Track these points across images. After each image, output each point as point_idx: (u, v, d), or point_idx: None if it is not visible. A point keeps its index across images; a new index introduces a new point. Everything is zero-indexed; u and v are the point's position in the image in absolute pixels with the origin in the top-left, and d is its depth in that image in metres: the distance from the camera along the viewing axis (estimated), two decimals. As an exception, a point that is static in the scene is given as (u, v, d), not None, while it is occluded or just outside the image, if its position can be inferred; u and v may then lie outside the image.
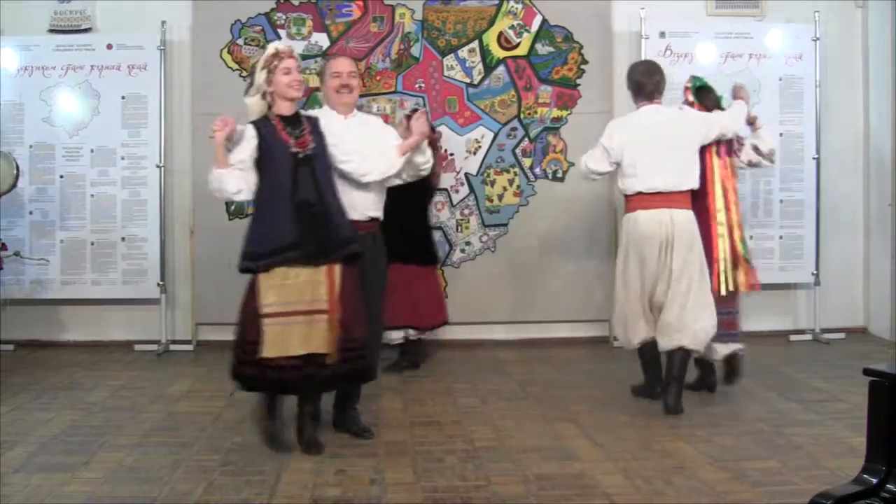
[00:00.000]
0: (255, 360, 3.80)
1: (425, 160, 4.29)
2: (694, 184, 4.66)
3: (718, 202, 4.72)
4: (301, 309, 3.82)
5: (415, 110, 5.33)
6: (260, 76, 3.92)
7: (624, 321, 4.76)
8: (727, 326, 4.75)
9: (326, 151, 3.98)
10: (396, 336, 5.60)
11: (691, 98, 4.85)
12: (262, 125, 3.91)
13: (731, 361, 4.88)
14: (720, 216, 4.71)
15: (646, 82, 4.70)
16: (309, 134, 3.94)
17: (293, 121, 3.95)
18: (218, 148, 3.82)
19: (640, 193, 4.64)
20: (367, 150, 4.10)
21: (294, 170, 3.85)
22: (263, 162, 3.87)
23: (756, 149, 5.03)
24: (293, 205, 3.82)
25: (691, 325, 4.54)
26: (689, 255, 4.58)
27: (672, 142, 4.61)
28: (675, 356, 4.58)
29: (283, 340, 3.79)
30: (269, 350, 3.78)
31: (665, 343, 4.60)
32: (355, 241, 3.94)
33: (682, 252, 4.57)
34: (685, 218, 4.61)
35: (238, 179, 3.83)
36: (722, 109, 4.85)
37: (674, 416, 4.49)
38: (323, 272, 3.86)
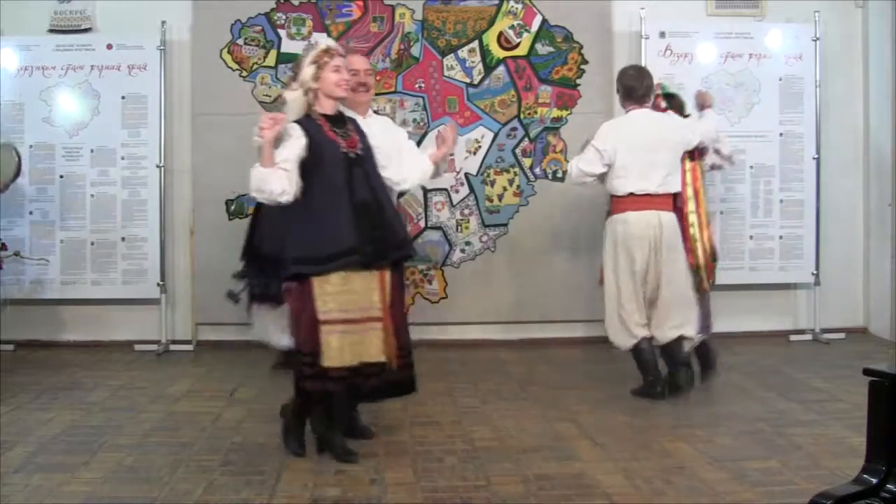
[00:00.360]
0: (317, 373, 3.66)
1: (444, 169, 4.32)
2: (678, 187, 4.85)
3: (691, 204, 4.91)
4: (357, 317, 3.69)
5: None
6: (307, 71, 3.77)
7: (619, 323, 4.85)
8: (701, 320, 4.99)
9: (373, 152, 3.88)
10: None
11: (664, 105, 4.97)
12: (308, 124, 3.76)
13: (705, 354, 5.04)
14: (692, 217, 4.92)
15: (637, 86, 4.82)
16: (355, 134, 3.86)
17: (337, 120, 3.84)
18: (267, 146, 3.61)
19: (631, 195, 4.77)
20: (396, 155, 4.08)
21: (348, 171, 3.75)
22: (312, 162, 3.69)
23: (718, 152, 5.21)
24: (352, 206, 3.70)
25: (685, 318, 4.79)
26: (676, 255, 4.80)
27: (661, 145, 4.76)
28: (677, 345, 4.79)
29: (343, 349, 3.65)
30: (331, 359, 3.64)
31: (663, 336, 4.78)
32: (410, 242, 3.95)
33: (670, 252, 4.77)
34: (671, 219, 4.80)
35: (283, 180, 3.62)
36: (686, 116, 5.08)
37: (674, 416, 4.50)
38: (376, 277, 3.75)
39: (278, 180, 3.62)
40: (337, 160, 3.74)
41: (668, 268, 4.76)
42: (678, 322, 4.77)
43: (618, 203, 4.83)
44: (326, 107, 3.82)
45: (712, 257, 5.03)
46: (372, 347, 3.72)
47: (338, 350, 3.65)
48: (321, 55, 3.78)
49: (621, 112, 5.05)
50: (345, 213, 3.70)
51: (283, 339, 4.56)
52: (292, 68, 3.94)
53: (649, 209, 4.75)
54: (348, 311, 3.68)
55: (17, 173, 5.74)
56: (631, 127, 4.82)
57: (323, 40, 3.93)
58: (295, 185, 3.66)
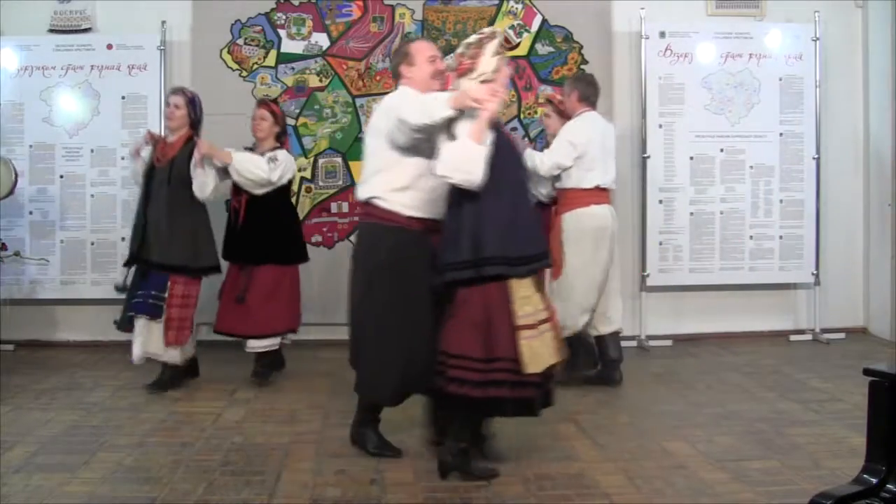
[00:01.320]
0: (503, 380, 3.42)
1: None
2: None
3: None
4: (538, 320, 3.50)
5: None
6: (490, 62, 3.52)
7: (578, 312, 5.05)
8: None
9: None
10: (271, 343, 5.32)
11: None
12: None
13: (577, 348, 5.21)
14: None
15: (593, 92, 5.26)
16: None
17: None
18: (485, 121, 3.40)
19: (597, 187, 5.09)
20: None
21: (524, 169, 3.78)
22: (497, 159, 3.46)
23: None
24: (537, 208, 3.73)
25: (620, 311, 5.29)
26: (615, 248, 5.22)
27: (610, 144, 5.25)
28: (613, 338, 5.21)
29: (539, 353, 3.46)
30: (534, 365, 3.42)
31: (606, 328, 5.19)
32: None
33: (615, 246, 5.23)
34: (614, 213, 5.25)
35: (485, 162, 3.41)
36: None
37: (674, 416, 4.51)
38: (535, 279, 3.59)
39: (484, 162, 3.39)
40: (518, 159, 3.67)
41: (614, 259, 5.20)
42: (618, 316, 5.25)
43: (582, 196, 5.07)
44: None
45: None
46: (549, 350, 3.52)
47: (536, 356, 3.44)
48: (501, 48, 3.57)
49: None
50: (534, 215, 3.72)
51: (173, 354, 5.09)
52: (460, 56, 3.61)
53: (607, 203, 5.16)
54: (531, 314, 3.49)
55: (12, 191, 5.74)
56: (592, 125, 5.16)
57: (499, 31, 3.65)
58: None
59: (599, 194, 5.08)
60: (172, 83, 6.35)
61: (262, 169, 5.08)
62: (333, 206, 6.40)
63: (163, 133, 5.47)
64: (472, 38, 3.63)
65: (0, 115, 6.25)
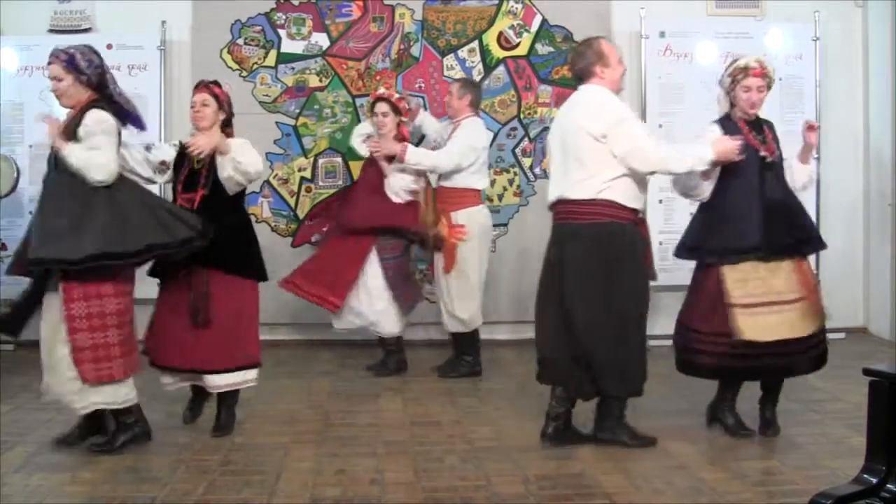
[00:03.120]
0: (736, 351, 3.97)
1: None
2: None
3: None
4: (769, 300, 3.99)
5: None
6: (725, 81, 4.14)
7: (478, 308, 5.48)
8: None
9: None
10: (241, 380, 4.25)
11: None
12: (726, 124, 4.11)
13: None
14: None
15: (479, 99, 5.64)
16: (773, 141, 4.17)
17: (756, 125, 4.14)
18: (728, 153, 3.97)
19: (481, 190, 5.60)
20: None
21: (761, 173, 4.06)
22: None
23: None
24: (762, 207, 4.03)
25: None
26: None
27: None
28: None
29: (760, 327, 3.95)
30: (753, 334, 3.94)
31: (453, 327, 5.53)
32: (819, 238, 4.36)
33: None
34: None
35: None
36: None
37: (675, 416, 4.52)
38: (791, 266, 4.06)
39: None
40: (753, 162, 4.06)
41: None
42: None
43: (472, 196, 5.44)
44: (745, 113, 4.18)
45: None
46: (786, 326, 3.98)
47: (756, 328, 3.94)
48: (739, 71, 4.09)
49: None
50: (756, 213, 4.01)
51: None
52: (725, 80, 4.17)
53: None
54: (755, 295, 3.97)
55: (13, 188, 5.73)
56: (484, 131, 5.69)
57: (750, 60, 4.14)
58: None
59: (480, 195, 5.53)
60: (172, 83, 6.37)
61: (257, 157, 4.21)
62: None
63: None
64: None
65: (0, 115, 6.25)
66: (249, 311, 4.22)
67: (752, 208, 4.02)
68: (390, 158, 5.35)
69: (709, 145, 3.96)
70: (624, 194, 3.92)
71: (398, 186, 5.39)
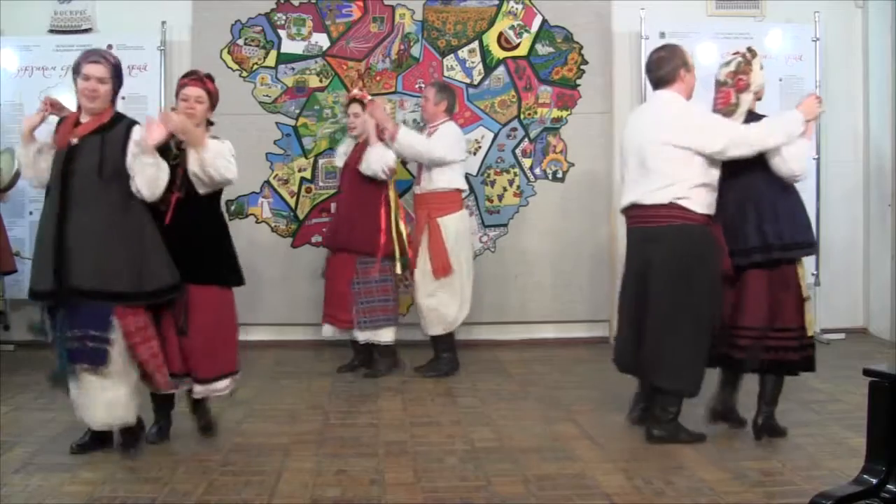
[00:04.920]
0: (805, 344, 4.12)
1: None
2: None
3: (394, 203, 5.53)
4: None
5: None
6: (760, 75, 4.13)
7: (468, 307, 5.56)
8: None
9: None
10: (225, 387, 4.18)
11: None
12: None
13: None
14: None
15: (455, 105, 5.61)
16: None
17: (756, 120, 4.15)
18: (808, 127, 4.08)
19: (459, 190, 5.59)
20: None
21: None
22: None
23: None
24: None
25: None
26: None
27: None
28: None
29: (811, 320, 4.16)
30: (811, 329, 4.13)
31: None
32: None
33: None
34: None
35: None
36: None
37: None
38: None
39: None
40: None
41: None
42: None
43: (457, 199, 5.46)
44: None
45: None
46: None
47: (812, 322, 4.16)
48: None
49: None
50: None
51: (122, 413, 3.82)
52: (731, 75, 4.17)
53: None
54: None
55: (14, 182, 5.74)
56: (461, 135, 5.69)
57: (748, 48, 4.22)
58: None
59: (461, 199, 5.55)
60: (172, 83, 6.34)
61: (233, 166, 3.97)
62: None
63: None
64: (735, 59, 4.15)
65: (0, 114, 6.25)
66: (228, 318, 4.12)
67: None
68: (380, 133, 5.32)
69: (792, 110, 4.09)
70: (700, 203, 4.01)
71: (378, 163, 5.28)
